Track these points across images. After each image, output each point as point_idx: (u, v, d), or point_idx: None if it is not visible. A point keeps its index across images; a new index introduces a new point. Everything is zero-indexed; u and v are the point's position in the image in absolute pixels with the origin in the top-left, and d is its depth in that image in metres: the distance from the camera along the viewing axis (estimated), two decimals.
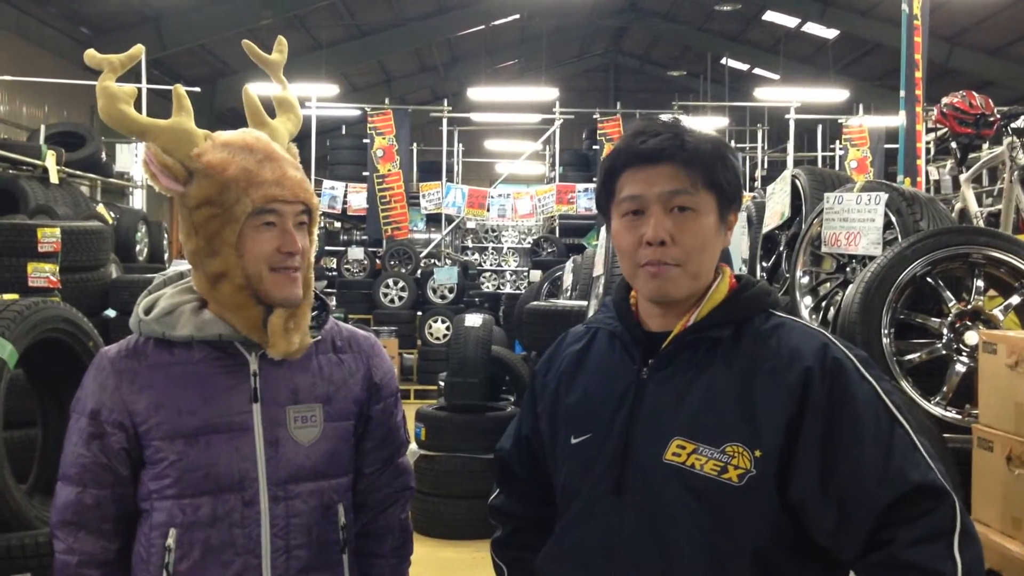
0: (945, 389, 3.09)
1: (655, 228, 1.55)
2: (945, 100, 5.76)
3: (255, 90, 1.94)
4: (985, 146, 6.15)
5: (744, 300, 1.61)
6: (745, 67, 24.18)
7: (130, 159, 11.81)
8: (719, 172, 1.58)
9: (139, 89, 11.57)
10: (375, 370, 1.93)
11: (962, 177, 5.43)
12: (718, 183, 1.58)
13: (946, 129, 5.71)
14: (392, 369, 2.00)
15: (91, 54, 1.84)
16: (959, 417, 3.00)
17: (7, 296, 3.64)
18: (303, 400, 1.80)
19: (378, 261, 14.11)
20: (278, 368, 1.79)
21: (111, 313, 5.65)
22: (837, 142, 16.70)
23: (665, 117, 1.68)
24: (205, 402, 1.73)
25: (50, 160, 8.36)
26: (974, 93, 5.72)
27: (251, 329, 1.76)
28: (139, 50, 1.92)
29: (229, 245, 1.73)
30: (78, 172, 9.45)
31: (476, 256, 17.53)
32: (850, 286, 3.43)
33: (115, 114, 1.78)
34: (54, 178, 8.32)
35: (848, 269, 3.93)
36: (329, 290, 13.55)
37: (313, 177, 14.50)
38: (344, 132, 19.48)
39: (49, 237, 4.69)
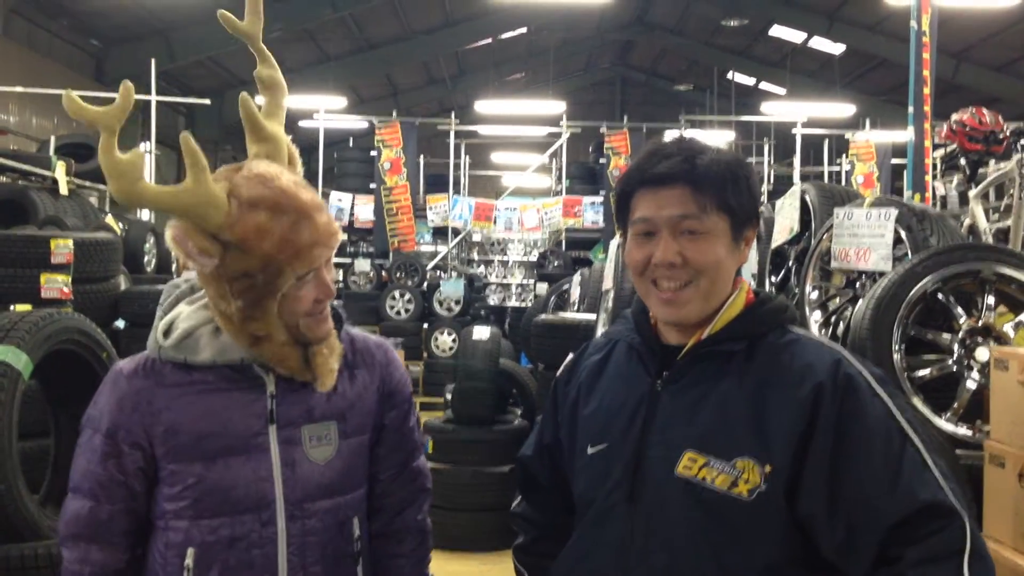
0: (956, 405, 3.09)
1: (664, 251, 1.57)
2: (955, 116, 5.76)
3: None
4: (992, 162, 6.15)
5: (760, 315, 1.62)
6: (752, 81, 24.21)
7: None
8: (730, 194, 1.58)
9: (148, 102, 11.61)
10: (388, 379, 1.93)
11: (971, 193, 5.43)
12: (729, 206, 1.58)
13: (955, 145, 5.71)
14: (405, 375, 2.00)
15: (75, 107, 1.66)
16: (970, 433, 3.00)
17: (21, 307, 3.67)
18: (318, 419, 1.80)
19: (384, 273, 14.11)
20: (293, 388, 1.79)
21: (121, 324, 5.67)
22: (843, 157, 16.69)
23: (680, 134, 1.69)
24: (223, 424, 1.73)
25: (60, 171, 8.39)
26: (984, 109, 5.72)
27: (297, 371, 1.78)
28: (129, 90, 1.68)
29: (271, 313, 1.72)
30: (87, 183, 9.48)
31: (482, 269, 17.53)
32: (860, 302, 3.44)
33: (134, 195, 1.64)
34: (63, 189, 8.35)
35: (858, 285, 3.93)
36: (335, 301, 13.52)
37: (320, 189, 14.52)
38: (352, 144, 19.51)
39: (62, 248, 4.72)
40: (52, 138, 10.60)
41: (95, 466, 1.73)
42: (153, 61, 12.19)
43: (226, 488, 1.72)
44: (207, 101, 13.57)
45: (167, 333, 1.78)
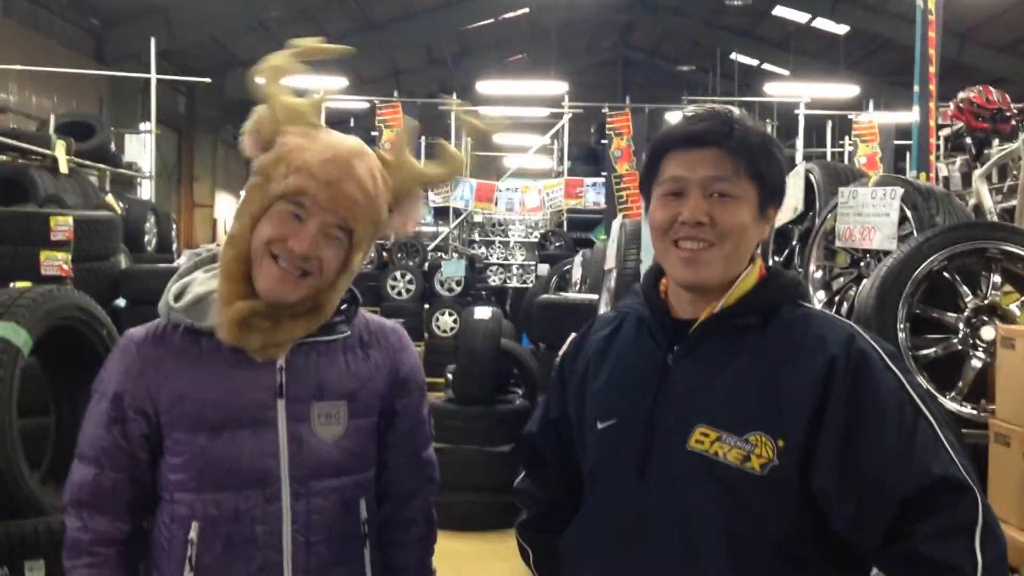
0: (961, 384, 3.08)
1: (693, 209, 1.55)
2: (961, 95, 5.72)
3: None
4: (995, 142, 6.12)
5: (772, 289, 1.60)
6: (755, 63, 24.11)
7: (139, 149, 11.81)
8: (763, 164, 1.58)
9: (148, 80, 11.59)
10: (402, 365, 1.89)
11: (976, 173, 5.40)
12: (761, 175, 1.58)
13: (961, 124, 5.67)
14: (418, 363, 1.96)
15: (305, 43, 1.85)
16: (975, 413, 2.99)
17: (21, 284, 3.65)
18: (328, 397, 1.77)
19: (385, 254, 14.10)
20: (305, 364, 1.75)
21: (122, 303, 5.65)
22: (847, 138, 16.63)
23: (718, 107, 1.68)
24: (230, 395, 1.71)
25: (59, 150, 8.34)
26: (991, 88, 5.68)
27: (224, 302, 1.68)
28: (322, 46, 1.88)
29: (251, 216, 1.69)
30: (87, 162, 9.45)
31: (483, 250, 17.51)
32: (865, 281, 3.42)
33: (269, 74, 1.76)
34: (63, 168, 8.30)
35: (862, 264, 3.91)
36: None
37: None
38: (352, 125, 19.46)
39: (62, 225, 4.70)
40: (52, 117, 10.56)
41: (101, 431, 1.72)
42: (153, 40, 12.12)
43: (231, 461, 1.70)
44: (208, 80, 13.51)
45: (179, 297, 1.75)
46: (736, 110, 1.65)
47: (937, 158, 6.27)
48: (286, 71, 1.78)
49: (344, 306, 1.83)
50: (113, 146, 10.48)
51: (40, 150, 8.26)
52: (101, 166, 9.92)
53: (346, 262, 1.73)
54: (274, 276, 1.67)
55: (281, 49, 1.88)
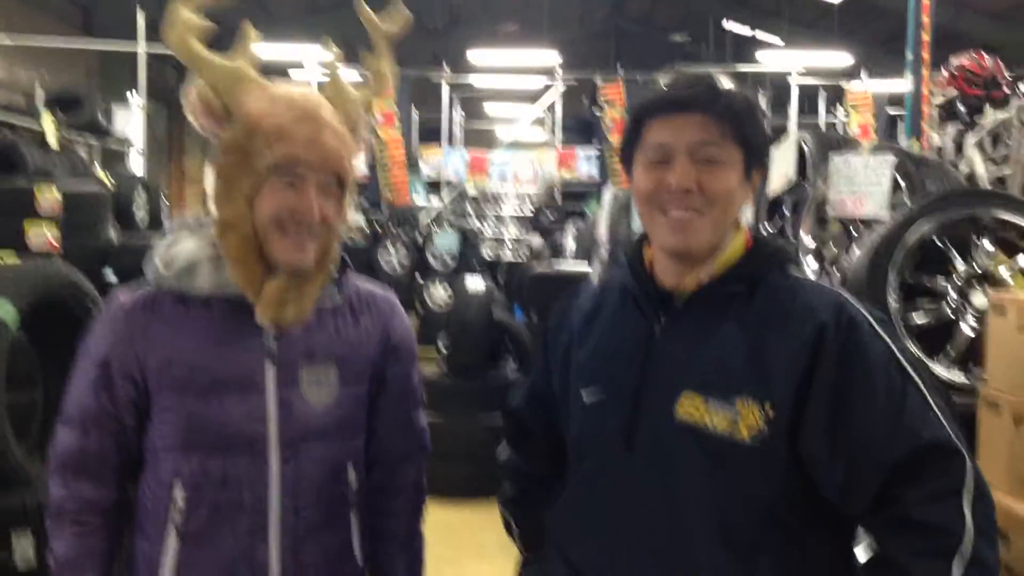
0: (951, 351, 3.08)
1: (680, 176, 1.52)
2: (955, 61, 5.67)
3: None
4: (988, 110, 6.08)
5: (760, 257, 1.58)
6: (748, 32, 23.97)
7: (128, 122, 11.71)
8: (748, 127, 1.55)
9: (135, 53, 11.46)
10: (393, 331, 1.88)
11: (969, 140, 5.37)
12: (746, 138, 1.55)
13: (955, 91, 5.63)
14: (410, 329, 1.95)
15: None
16: (965, 379, 2.99)
17: (8, 257, 3.62)
18: (318, 362, 1.75)
19: (378, 226, 14.06)
20: (294, 328, 1.74)
21: (111, 276, 5.63)
22: (839, 107, 16.57)
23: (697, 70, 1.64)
24: (218, 359, 1.69)
25: (48, 123, 8.29)
26: (984, 54, 5.63)
27: (247, 286, 1.69)
28: None
29: (243, 195, 1.67)
30: (77, 135, 9.38)
31: (476, 222, 17.47)
32: (857, 248, 3.41)
33: (174, 38, 1.73)
34: (52, 142, 8.26)
35: (854, 232, 3.90)
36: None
37: None
38: None
39: (49, 199, 4.66)
40: (41, 90, 10.47)
41: (86, 396, 1.70)
42: (141, 12, 11.99)
43: (219, 425, 1.68)
44: None
45: (167, 263, 1.74)
46: (717, 74, 1.61)
47: (930, 126, 6.24)
48: (195, 28, 1.75)
49: (335, 275, 1.82)
50: (103, 119, 10.39)
51: (29, 124, 8.20)
52: (91, 139, 9.86)
53: (339, 208, 1.75)
54: (290, 247, 1.67)
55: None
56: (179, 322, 1.71)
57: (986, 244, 3.15)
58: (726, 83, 1.57)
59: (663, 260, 1.61)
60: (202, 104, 1.70)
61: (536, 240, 13.70)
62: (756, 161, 1.59)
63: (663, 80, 1.60)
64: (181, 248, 1.75)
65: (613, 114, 14.51)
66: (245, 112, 1.68)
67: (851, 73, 16.98)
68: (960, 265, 3.15)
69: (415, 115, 17.75)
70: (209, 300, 1.71)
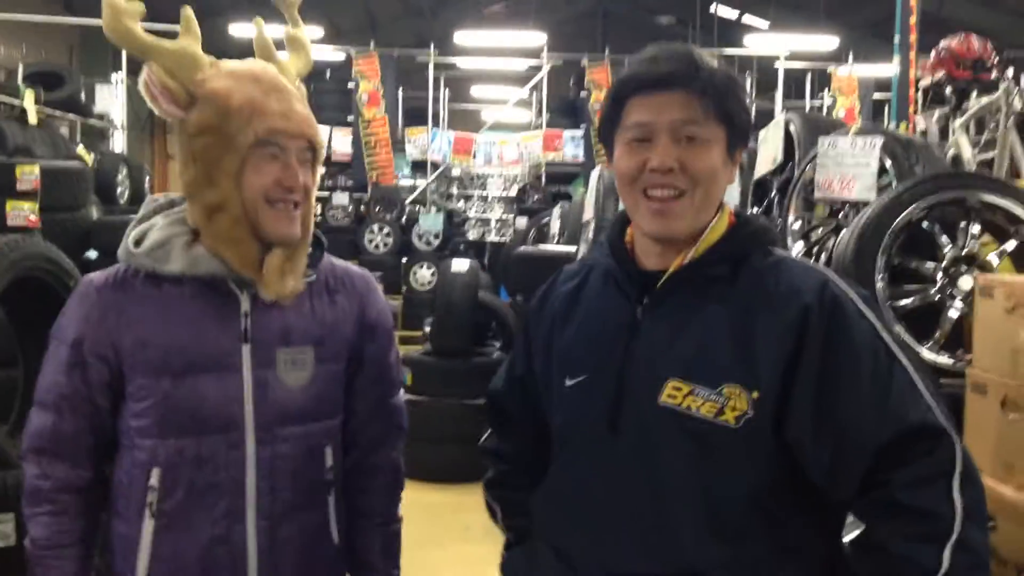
0: (938, 334, 3.08)
1: (662, 155, 1.49)
2: (943, 43, 5.66)
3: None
4: (975, 95, 6.09)
5: (743, 237, 1.56)
6: (735, 15, 23.94)
7: (110, 100, 11.60)
8: (731, 104, 1.52)
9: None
10: (369, 309, 1.88)
11: (956, 123, 5.36)
12: (729, 115, 1.52)
13: (942, 75, 5.62)
14: (387, 307, 1.94)
15: None
16: (951, 362, 3.00)
17: None
18: (294, 342, 1.74)
19: (363, 207, 13.99)
20: (270, 309, 1.73)
21: (93, 255, 5.58)
22: (826, 91, 16.57)
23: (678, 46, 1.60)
24: (193, 340, 1.68)
25: (28, 100, 8.20)
26: (973, 36, 5.62)
27: (245, 266, 1.69)
28: None
29: (228, 175, 1.66)
30: (57, 113, 9.29)
31: (461, 203, 17.41)
32: (844, 231, 3.40)
33: (119, 29, 1.70)
34: (32, 119, 8.17)
35: (841, 215, 3.89)
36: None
37: None
38: (328, 76, 19.18)
39: (28, 175, 4.61)
40: (20, 66, 10.34)
41: (60, 377, 1.69)
42: None
43: (194, 406, 1.67)
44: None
45: (139, 243, 1.72)
46: (697, 50, 1.57)
47: (916, 111, 6.24)
48: (134, 14, 1.72)
49: (310, 251, 1.80)
50: (84, 97, 10.29)
51: (8, 100, 8.11)
52: (72, 117, 9.75)
53: (313, 176, 1.77)
54: (280, 219, 1.69)
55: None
56: (152, 302, 1.69)
57: (974, 227, 3.15)
58: (707, 59, 1.54)
59: (645, 242, 1.59)
60: (161, 88, 1.68)
61: (521, 221, 13.66)
62: (739, 139, 1.56)
63: (643, 56, 1.57)
64: (152, 227, 1.74)
65: (600, 96, 14.45)
66: (210, 91, 1.68)
67: (837, 57, 16.99)
68: (947, 248, 3.15)
69: (400, 95, 17.63)
70: (181, 279, 1.69)
